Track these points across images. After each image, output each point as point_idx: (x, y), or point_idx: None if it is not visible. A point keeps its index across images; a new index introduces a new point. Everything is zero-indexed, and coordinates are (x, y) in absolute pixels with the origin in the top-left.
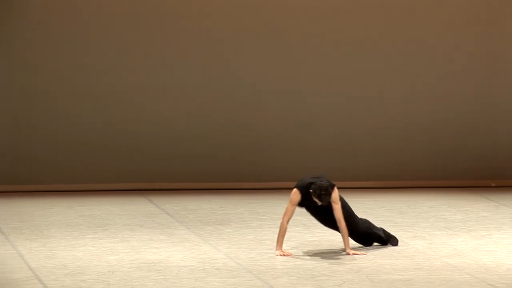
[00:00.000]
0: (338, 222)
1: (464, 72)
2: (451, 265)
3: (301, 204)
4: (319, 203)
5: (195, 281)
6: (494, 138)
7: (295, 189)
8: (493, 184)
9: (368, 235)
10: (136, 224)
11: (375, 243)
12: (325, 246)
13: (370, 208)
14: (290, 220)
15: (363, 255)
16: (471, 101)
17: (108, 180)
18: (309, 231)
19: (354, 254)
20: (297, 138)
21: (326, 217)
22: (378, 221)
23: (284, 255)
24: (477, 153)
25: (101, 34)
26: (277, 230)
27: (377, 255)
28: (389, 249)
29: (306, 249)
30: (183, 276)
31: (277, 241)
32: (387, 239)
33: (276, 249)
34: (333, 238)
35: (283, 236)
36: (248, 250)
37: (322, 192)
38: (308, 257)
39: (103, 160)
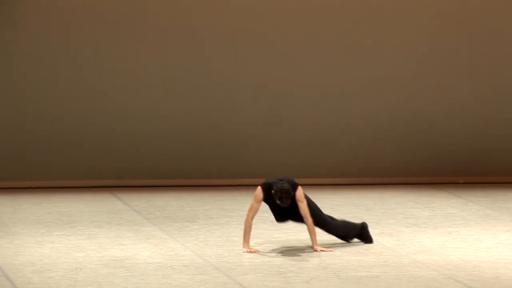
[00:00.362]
0: (305, 219)
1: (431, 70)
2: (418, 261)
3: (265, 202)
4: (281, 205)
5: (163, 278)
6: (462, 135)
7: (259, 187)
8: (461, 181)
9: (344, 237)
10: (103, 221)
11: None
12: (292, 242)
13: (338, 204)
14: (258, 217)
15: (330, 252)
16: (439, 99)
17: (75, 177)
18: (276, 228)
19: (321, 250)
20: (266, 135)
21: (290, 216)
22: (346, 218)
23: (251, 252)
24: (445, 149)
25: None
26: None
27: (344, 251)
28: (357, 246)
29: (273, 245)
30: (150, 273)
31: (243, 238)
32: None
33: (243, 246)
34: (300, 235)
35: (249, 233)
36: (215, 247)
37: (283, 195)
38: (276, 254)
39: (70, 157)
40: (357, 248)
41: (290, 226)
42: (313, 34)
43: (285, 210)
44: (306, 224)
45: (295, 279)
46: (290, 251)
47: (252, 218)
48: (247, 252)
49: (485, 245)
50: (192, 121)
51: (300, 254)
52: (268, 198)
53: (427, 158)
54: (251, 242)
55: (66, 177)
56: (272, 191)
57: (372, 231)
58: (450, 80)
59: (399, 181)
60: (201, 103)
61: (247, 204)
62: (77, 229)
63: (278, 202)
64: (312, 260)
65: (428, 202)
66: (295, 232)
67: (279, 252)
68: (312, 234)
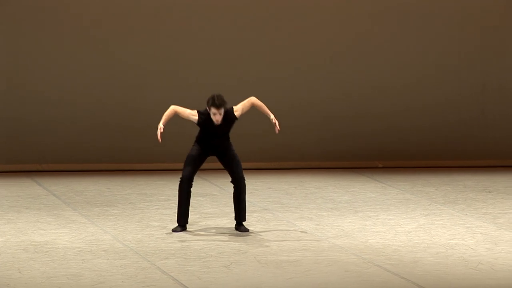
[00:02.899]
0: (253, 104)
1: (353, 54)
2: (338, 246)
3: (200, 125)
4: (215, 117)
5: (82, 262)
6: (380, 119)
7: (195, 110)
8: (380, 165)
9: None
10: (22, 205)
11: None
12: (212, 226)
13: (258, 189)
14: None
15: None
16: (359, 83)
17: None
18: (196, 212)
19: (277, 126)
20: (184, 120)
21: (218, 137)
22: (266, 202)
23: (161, 132)
24: (364, 134)
25: None
26: (164, 211)
27: (264, 236)
28: (276, 230)
29: (193, 230)
30: (70, 257)
31: (163, 118)
32: None
33: (161, 123)
34: (219, 220)
35: (168, 117)
36: (135, 232)
37: (216, 97)
38: (195, 238)
39: None
40: (276, 232)
41: (209, 210)
42: (230, 21)
43: (215, 133)
44: (255, 106)
45: (215, 264)
46: (209, 236)
47: (175, 113)
48: (161, 128)
49: (404, 229)
50: (110, 106)
51: (220, 238)
52: (202, 122)
53: (346, 143)
54: (171, 226)
55: None
56: (207, 105)
57: (291, 216)
58: (367, 66)
59: (318, 165)
60: (120, 89)
61: (166, 188)
62: None
63: (212, 109)
64: (232, 245)
65: (348, 186)
66: (214, 217)
67: (199, 237)
68: (263, 109)
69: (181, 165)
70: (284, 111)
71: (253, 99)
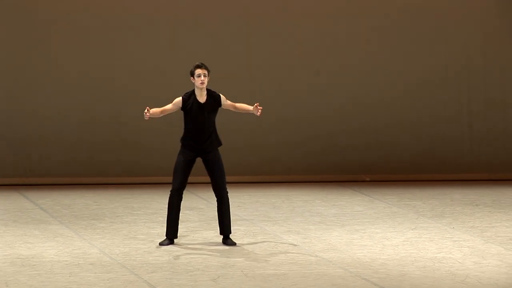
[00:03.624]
0: (235, 107)
1: (339, 69)
2: (325, 259)
3: (183, 109)
4: (199, 79)
5: (69, 276)
6: (367, 133)
7: (180, 97)
8: (367, 179)
9: None
10: (9, 219)
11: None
12: (199, 240)
13: (245, 202)
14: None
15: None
16: (346, 98)
17: None
18: (183, 226)
19: (258, 107)
20: (169, 133)
21: (203, 122)
22: (253, 216)
23: (147, 112)
24: (351, 147)
25: None
26: (151, 225)
27: (251, 249)
28: (263, 243)
29: (180, 243)
30: (57, 271)
31: (154, 111)
32: None
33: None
34: (206, 233)
35: (154, 112)
36: (122, 245)
37: (201, 63)
38: (183, 252)
39: None
40: (264, 246)
41: (196, 223)
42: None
43: (200, 115)
44: (237, 109)
45: (202, 277)
46: (197, 249)
47: (162, 112)
48: (147, 110)
49: (391, 243)
50: (97, 121)
51: (207, 252)
52: (187, 100)
53: (333, 156)
54: (156, 239)
55: None
56: (191, 75)
57: (279, 229)
58: (353, 80)
59: (306, 179)
60: (106, 103)
61: (153, 202)
62: None
63: (196, 71)
64: (219, 258)
65: (335, 200)
66: (201, 230)
67: (186, 250)
68: (244, 107)
69: (168, 179)
70: (270, 125)
71: (236, 103)
